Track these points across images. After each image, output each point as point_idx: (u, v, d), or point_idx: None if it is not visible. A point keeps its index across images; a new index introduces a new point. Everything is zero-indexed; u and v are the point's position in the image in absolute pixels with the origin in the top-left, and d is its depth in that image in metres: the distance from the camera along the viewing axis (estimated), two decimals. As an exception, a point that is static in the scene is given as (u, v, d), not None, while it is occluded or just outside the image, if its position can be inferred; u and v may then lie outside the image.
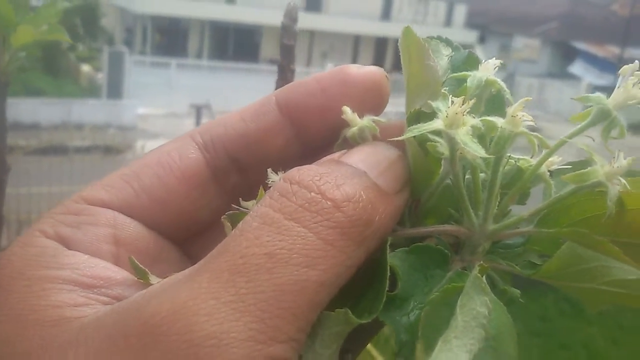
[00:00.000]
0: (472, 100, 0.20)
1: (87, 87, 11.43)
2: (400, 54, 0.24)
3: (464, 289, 0.20)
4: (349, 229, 0.20)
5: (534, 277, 0.22)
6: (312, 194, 0.20)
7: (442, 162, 0.23)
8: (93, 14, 10.85)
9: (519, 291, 0.22)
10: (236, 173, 0.27)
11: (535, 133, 0.22)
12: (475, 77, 0.23)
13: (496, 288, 0.23)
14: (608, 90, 0.25)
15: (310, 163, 0.28)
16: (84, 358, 0.18)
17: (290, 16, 0.40)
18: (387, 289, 0.20)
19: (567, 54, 16.87)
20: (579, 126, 0.22)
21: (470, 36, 16.37)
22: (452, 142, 0.21)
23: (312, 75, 0.27)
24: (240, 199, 0.25)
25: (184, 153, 0.25)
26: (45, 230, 0.22)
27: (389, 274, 0.20)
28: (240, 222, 0.20)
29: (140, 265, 0.21)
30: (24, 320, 0.20)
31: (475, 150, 0.20)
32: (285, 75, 0.40)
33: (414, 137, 0.21)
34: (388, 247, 0.21)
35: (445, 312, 0.20)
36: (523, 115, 0.21)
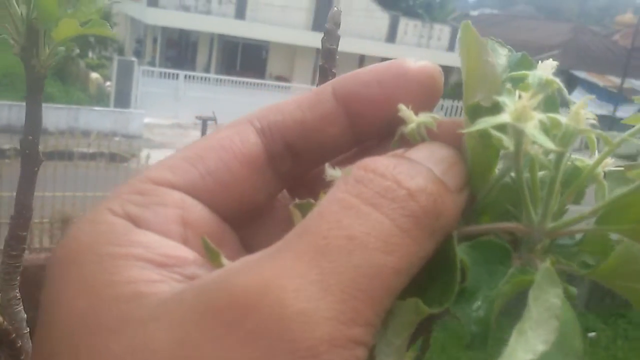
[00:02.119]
0: (541, 95, 0.21)
1: (95, 94, 11.48)
2: (459, 49, 0.24)
3: (535, 282, 0.20)
4: (422, 219, 0.21)
5: (590, 276, 0.23)
6: (388, 182, 0.21)
7: (503, 158, 0.23)
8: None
9: (576, 289, 0.23)
10: (290, 159, 0.27)
11: (598, 131, 0.22)
12: (535, 75, 0.24)
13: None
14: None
15: (362, 154, 0.28)
16: (167, 331, 0.18)
17: (334, 21, 0.40)
18: (458, 281, 0.20)
19: (568, 82, 16.94)
20: (637, 126, 0.23)
21: (476, 61, 16.40)
22: (519, 136, 0.21)
23: (369, 67, 0.27)
24: (296, 198, 0.25)
25: (245, 137, 0.26)
26: (114, 208, 0.22)
27: (459, 266, 0.21)
28: (317, 207, 0.21)
29: (214, 247, 0.22)
30: (98, 294, 0.20)
31: (545, 143, 0.20)
32: (326, 77, 0.40)
33: (476, 130, 0.22)
34: (455, 240, 0.21)
35: (515, 305, 0.20)
36: (586, 113, 0.22)
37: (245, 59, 17.09)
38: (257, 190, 0.26)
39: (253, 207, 0.26)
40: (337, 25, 0.41)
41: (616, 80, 16.11)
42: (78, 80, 12.00)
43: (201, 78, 13.42)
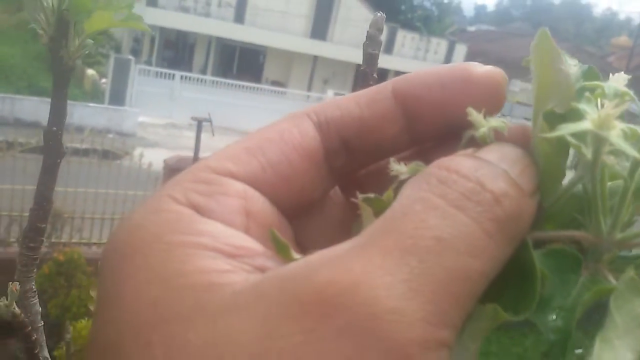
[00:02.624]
0: (625, 104, 0.21)
1: (90, 91, 11.43)
2: (531, 56, 0.24)
3: (617, 291, 0.20)
4: (505, 224, 0.20)
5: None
6: (471, 184, 0.21)
7: (578, 165, 0.23)
8: (103, 19, 10.88)
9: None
10: (344, 155, 0.27)
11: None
12: (610, 86, 0.24)
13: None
14: None
15: (417, 155, 0.28)
16: (250, 322, 0.18)
17: (377, 26, 0.40)
18: (539, 289, 0.20)
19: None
20: None
21: (471, 76, 16.50)
22: (599, 144, 0.21)
23: (431, 68, 0.27)
24: (358, 192, 0.25)
25: (304, 131, 0.25)
26: (177, 197, 0.22)
27: (539, 275, 0.21)
28: (397, 204, 0.20)
29: (283, 240, 0.21)
30: (171, 283, 0.19)
31: (631, 152, 0.20)
32: (367, 82, 0.40)
33: (554, 137, 0.22)
34: (531, 247, 0.21)
35: (594, 314, 0.20)
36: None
37: (242, 63, 17.09)
38: (315, 185, 0.26)
39: (309, 202, 0.26)
40: (380, 30, 0.41)
41: (609, 101, 16.19)
42: (74, 76, 11.92)
43: (197, 79, 13.41)
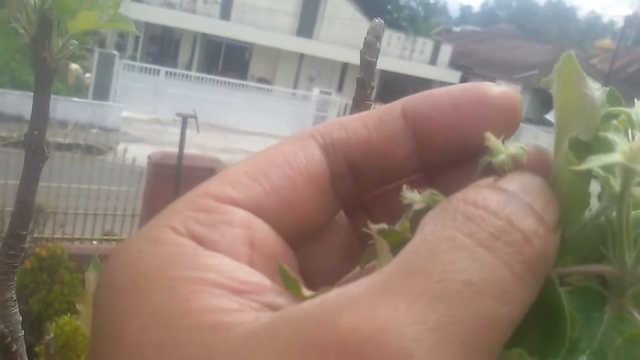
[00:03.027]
0: (658, 136, 0.20)
1: (74, 85, 11.32)
2: (555, 78, 0.23)
3: None
4: (535, 265, 0.19)
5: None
6: (501, 222, 0.19)
7: (602, 196, 0.22)
8: (87, 13, 10.83)
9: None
10: (351, 179, 0.25)
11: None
12: (638, 113, 0.22)
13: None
14: None
15: (426, 179, 0.27)
16: None
17: (375, 33, 0.39)
18: (569, 332, 0.19)
19: (545, 102, 17.17)
20: None
21: (454, 76, 16.67)
22: (629, 176, 0.20)
23: (443, 89, 0.25)
24: (369, 221, 0.23)
25: (309, 154, 0.24)
26: (176, 227, 0.20)
27: (569, 317, 0.19)
28: (421, 243, 0.19)
29: (293, 275, 0.20)
30: (176, 324, 0.18)
31: (661, 187, 0.19)
32: (364, 90, 0.39)
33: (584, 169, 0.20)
34: (557, 286, 0.20)
35: (628, 357, 0.19)
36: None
37: (227, 59, 17.03)
38: (320, 210, 0.25)
39: (313, 228, 0.25)
40: (378, 37, 0.39)
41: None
42: (57, 71, 11.84)
43: (182, 75, 13.34)
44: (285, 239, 0.23)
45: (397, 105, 0.25)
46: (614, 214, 0.22)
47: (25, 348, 0.55)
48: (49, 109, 0.53)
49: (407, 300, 0.17)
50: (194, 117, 6.09)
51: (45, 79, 0.53)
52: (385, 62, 15.35)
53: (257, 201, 0.22)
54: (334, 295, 0.18)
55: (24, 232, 0.53)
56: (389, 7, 23.08)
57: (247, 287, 0.19)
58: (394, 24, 20.05)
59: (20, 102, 8.41)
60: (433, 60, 17.74)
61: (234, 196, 0.22)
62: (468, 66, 18.95)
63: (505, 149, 0.22)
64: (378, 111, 0.26)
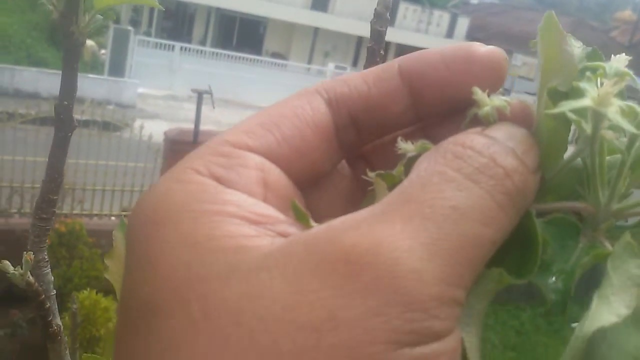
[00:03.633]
0: (623, 82, 0.22)
1: (89, 62, 11.36)
2: (539, 37, 0.25)
3: (614, 253, 0.21)
4: (515, 197, 0.22)
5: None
6: (485, 159, 0.22)
7: (578, 140, 0.24)
8: (102, -11, 10.81)
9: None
10: (353, 131, 0.28)
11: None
12: (612, 66, 0.25)
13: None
14: None
15: (421, 132, 0.30)
16: (281, 280, 0.19)
17: (384, 3, 0.41)
18: (540, 254, 0.22)
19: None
20: None
21: (473, 49, 16.41)
22: (598, 120, 0.22)
23: (436, 48, 0.28)
24: (367, 169, 0.26)
25: (316, 107, 0.27)
26: (199, 169, 0.23)
27: (541, 240, 0.22)
28: (415, 177, 0.22)
29: (303, 209, 0.23)
30: (201, 247, 0.21)
31: (627, 127, 0.21)
32: (374, 58, 0.41)
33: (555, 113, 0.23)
34: (534, 217, 0.23)
35: (593, 275, 0.22)
36: (661, 103, 0.23)
37: (242, 34, 16.95)
38: (326, 159, 0.27)
39: (320, 175, 0.28)
40: (388, 7, 0.42)
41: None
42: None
43: (197, 51, 13.31)
44: (295, 182, 0.26)
45: (394, 63, 0.28)
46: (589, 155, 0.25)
47: (56, 306, 0.59)
48: (76, 80, 0.56)
49: (402, 221, 0.20)
50: (209, 93, 6.12)
51: (73, 53, 0.56)
52: (401, 36, 15.21)
53: (270, 148, 0.25)
54: (339, 220, 0.21)
55: (55, 197, 0.57)
56: (404, -21, 22.77)
57: (262, 218, 0.22)
58: (409, -3, 19.81)
59: (36, 79, 8.49)
60: (450, 34, 17.52)
61: (249, 143, 0.25)
62: (485, 39, 18.59)
63: (490, 102, 0.25)
64: (377, 69, 0.28)
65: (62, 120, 0.56)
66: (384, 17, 0.41)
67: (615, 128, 0.23)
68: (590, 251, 0.23)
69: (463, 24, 17.81)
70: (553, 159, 0.25)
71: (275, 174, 0.25)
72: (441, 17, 17.72)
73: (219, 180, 0.23)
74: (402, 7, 16.79)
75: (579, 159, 0.25)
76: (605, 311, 0.20)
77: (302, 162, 0.26)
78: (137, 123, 6.03)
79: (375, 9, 0.41)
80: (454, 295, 0.20)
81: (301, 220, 0.23)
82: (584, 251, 0.23)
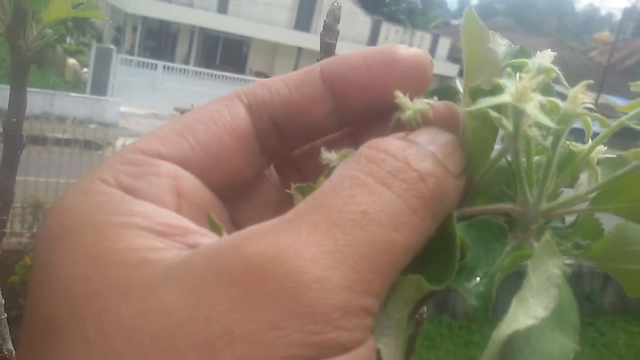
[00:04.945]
0: (542, 76, 0.21)
1: (71, 80, 11.32)
2: (461, 35, 0.25)
3: (535, 253, 0.21)
4: (429, 201, 0.21)
5: (583, 257, 0.23)
6: (399, 163, 0.21)
7: (502, 139, 0.24)
8: (84, 8, 10.79)
9: (569, 269, 0.23)
10: (276, 136, 0.27)
11: (595, 114, 0.23)
12: (535, 62, 0.24)
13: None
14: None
15: (348, 137, 0.29)
16: (179, 294, 0.18)
17: (334, 15, 0.41)
18: (458, 257, 0.21)
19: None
20: (635, 110, 0.24)
21: (452, 69, 16.65)
22: (519, 116, 0.21)
23: (358, 50, 0.27)
24: (292, 182, 0.26)
25: (234, 112, 0.26)
26: (106, 179, 0.22)
27: (458, 243, 0.21)
28: (328, 183, 0.21)
29: (217, 221, 0.22)
30: (102, 261, 0.20)
31: (545, 122, 0.21)
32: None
33: (477, 112, 0.22)
34: (454, 220, 0.22)
35: (514, 277, 0.21)
36: (584, 98, 0.22)
37: (225, 54, 17.00)
38: (246, 165, 0.26)
39: (241, 182, 0.27)
40: (337, 20, 0.41)
41: (591, 95, 16.41)
42: (54, 66, 11.83)
43: (180, 70, 13.30)
44: (214, 191, 0.25)
45: (316, 67, 0.27)
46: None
47: (8, 330, 0.57)
48: (25, 96, 0.54)
49: (309, 228, 0.19)
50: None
51: (21, 67, 0.54)
52: (383, 56, 15.29)
53: (184, 155, 0.24)
54: (247, 230, 0.20)
55: (4, 218, 0.55)
56: (387, 0, 23.04)
57: (172, 230, 0.21)
58: (391, 18, 20.02)
59: None
60: (431, 54, 17.45)
61: (161, 150, 0.24)
62: (467, 59, 18.87)
63: (412, 105, 0.24)
64: (300, 72, 0.27)
65: (11, 137, 0.55)
66: (333, 30, 0.41)
67: (541, 125, 0.22)
68: (516, 254, 0.22)
69: (444, 44, 18.01)
70: (479, 159, 0.24)
71: (190, 181, 0.24)
72: (423, 38, 17.91)
73: (127, 190, 0.22)
74: (384, 28, 16.97)
75: (508, 160, 0.25)
76: (522, 314, 0.19)
77: (219, 168, 0.25)
78: (120, 142, 5.99)
79: (325, 21, 0.41)
80: (363, 303, 0.19)
81: (215, 230, 0.22)
82: (510, 254, 0.22)
